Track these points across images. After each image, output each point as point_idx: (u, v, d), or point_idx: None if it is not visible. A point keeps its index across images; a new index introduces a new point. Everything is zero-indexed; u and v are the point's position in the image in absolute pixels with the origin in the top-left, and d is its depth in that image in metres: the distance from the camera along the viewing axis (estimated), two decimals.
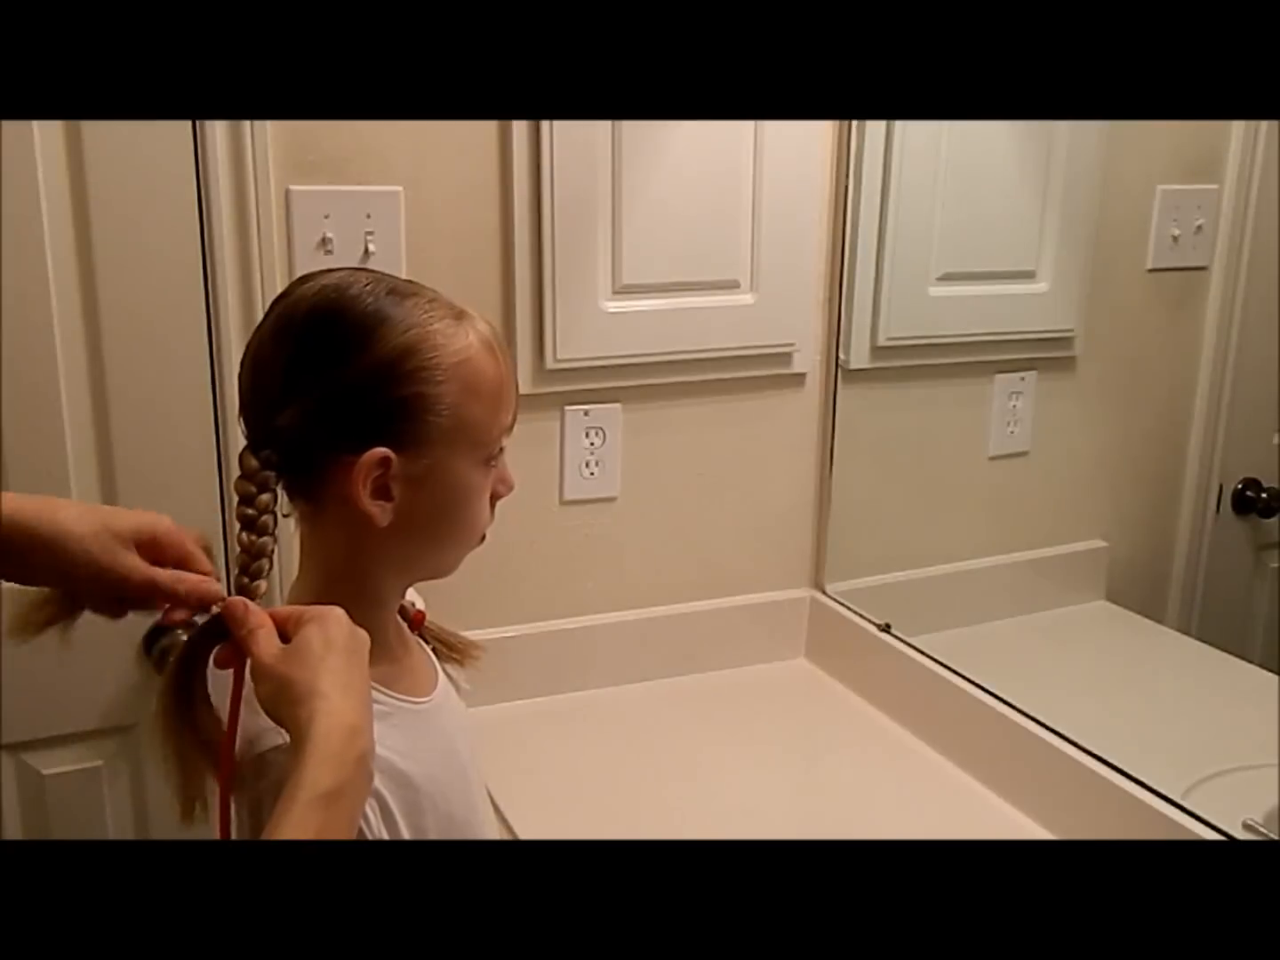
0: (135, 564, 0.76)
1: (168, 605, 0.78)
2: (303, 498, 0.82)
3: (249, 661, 0.74)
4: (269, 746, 0.75)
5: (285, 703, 0.70)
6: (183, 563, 0.79)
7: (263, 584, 0.80)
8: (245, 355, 0.82)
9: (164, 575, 0.77)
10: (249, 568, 0.80)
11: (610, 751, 1.41)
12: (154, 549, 0.78)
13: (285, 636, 0.75)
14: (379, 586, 0.85)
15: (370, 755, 0.70)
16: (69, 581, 0.76)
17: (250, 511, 0.80)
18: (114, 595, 0.77)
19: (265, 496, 0.80)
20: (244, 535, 0.80)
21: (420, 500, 0.81)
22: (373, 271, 0.83)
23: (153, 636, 1.31)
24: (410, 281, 0.83)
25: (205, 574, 0.79)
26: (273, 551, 0.80)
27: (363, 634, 0.76)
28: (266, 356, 0.80)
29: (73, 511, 0.76)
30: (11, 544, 0.74)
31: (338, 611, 0.75)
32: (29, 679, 1.26)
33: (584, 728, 1.46)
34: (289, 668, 0.71)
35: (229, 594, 0.79)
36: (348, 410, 0.78)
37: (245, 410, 0.82)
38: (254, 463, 0.79)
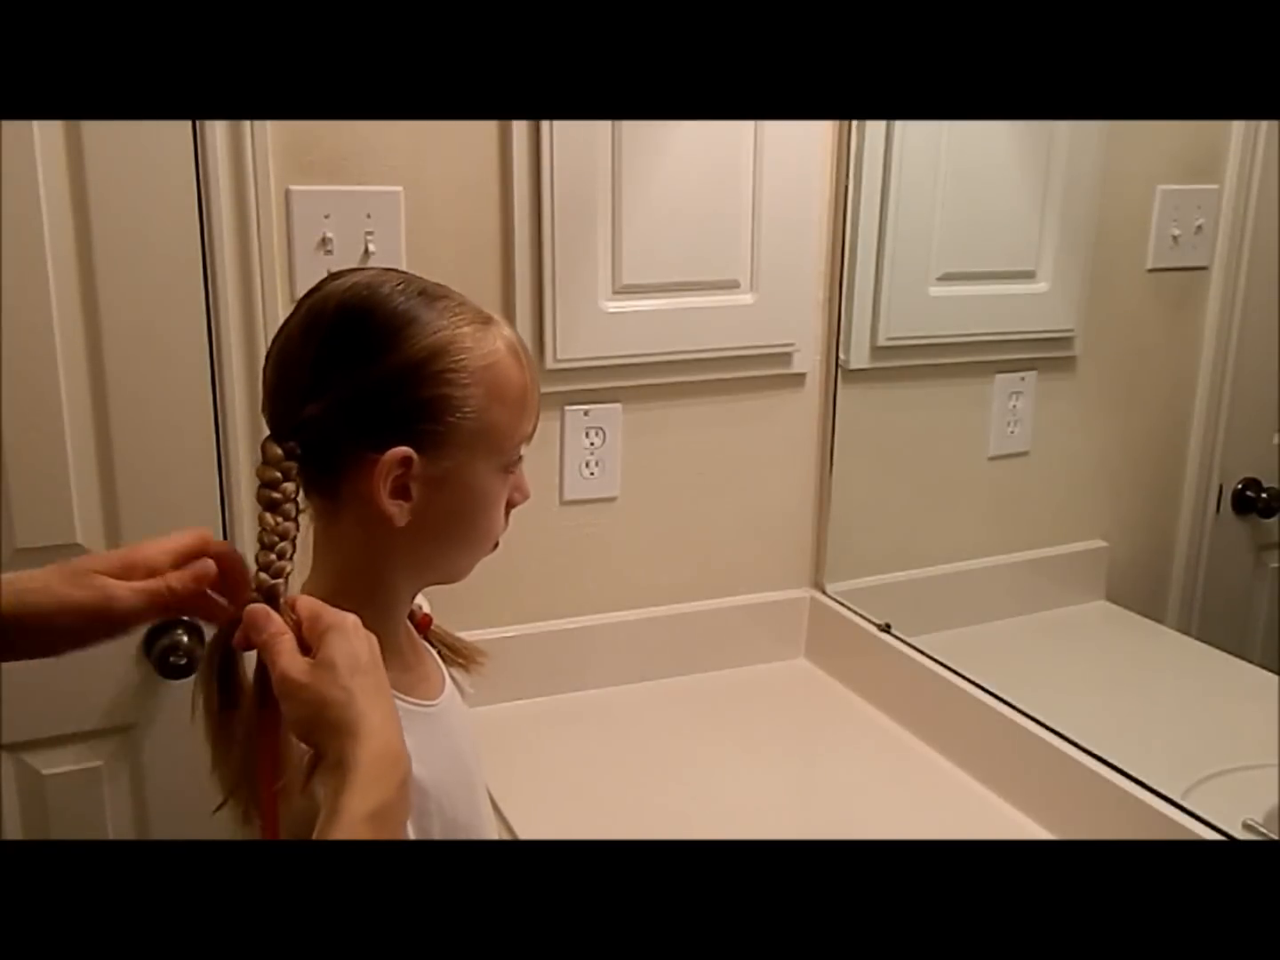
0: (108, 584, 0.75)
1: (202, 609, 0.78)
2: (320, 494, 0.82)
3: (273, 676, 0.72)
4: None
5: (321, 725, 0.69)
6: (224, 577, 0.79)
7: (288, 565, 0.79)
8: (271, 349, 0.82)
9: (153, 583, 0.76)
10: (274, 546, 0.78)
11: (610, 751, 1.41)
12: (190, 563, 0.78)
13: (302, 642, 0.73)
14: (392, 588, 0.85)
15: (410, 779, 0.70)
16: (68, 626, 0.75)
17: (275, 495, 0.79)
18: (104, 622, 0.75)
19: (289, 484, 0.79)
20: (268, 517, 0.79)
21: (438, 502, 0.81)
22: (403, 273, 0.83)
23: (152, 637, 1.31)
24: (439, 284, 0.83)
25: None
26: (295, 536, 0.79)
27: (375, 641, 0.75)
28: (294, 350, 0.80)
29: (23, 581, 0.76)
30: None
31: (354, 619, 0.74)
32: (29, 679, 1.26)
33: (584, 728, 1.46)
34: (322, 687, 0.70)
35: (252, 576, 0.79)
36: (373, 408, 0.78)
37: (270, 402, 0.81)
38: (278, 451, 0.78)
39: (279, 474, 0.79)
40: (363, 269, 0.82)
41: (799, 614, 1.64)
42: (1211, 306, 1.48)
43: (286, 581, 0.79)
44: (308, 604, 0.75)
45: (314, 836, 0.66)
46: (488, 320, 0.82)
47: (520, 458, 0.86)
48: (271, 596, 0.78)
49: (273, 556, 0.78)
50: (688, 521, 1.56)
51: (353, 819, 0.64)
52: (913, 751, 1.42)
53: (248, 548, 0.82)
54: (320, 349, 0.79)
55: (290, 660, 0.72)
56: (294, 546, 0.80)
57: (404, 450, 0.78)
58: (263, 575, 0.78)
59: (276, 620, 0.74)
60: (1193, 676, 1.46)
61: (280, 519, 0.79)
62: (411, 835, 0.80)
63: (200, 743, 0.79)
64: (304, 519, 0.82)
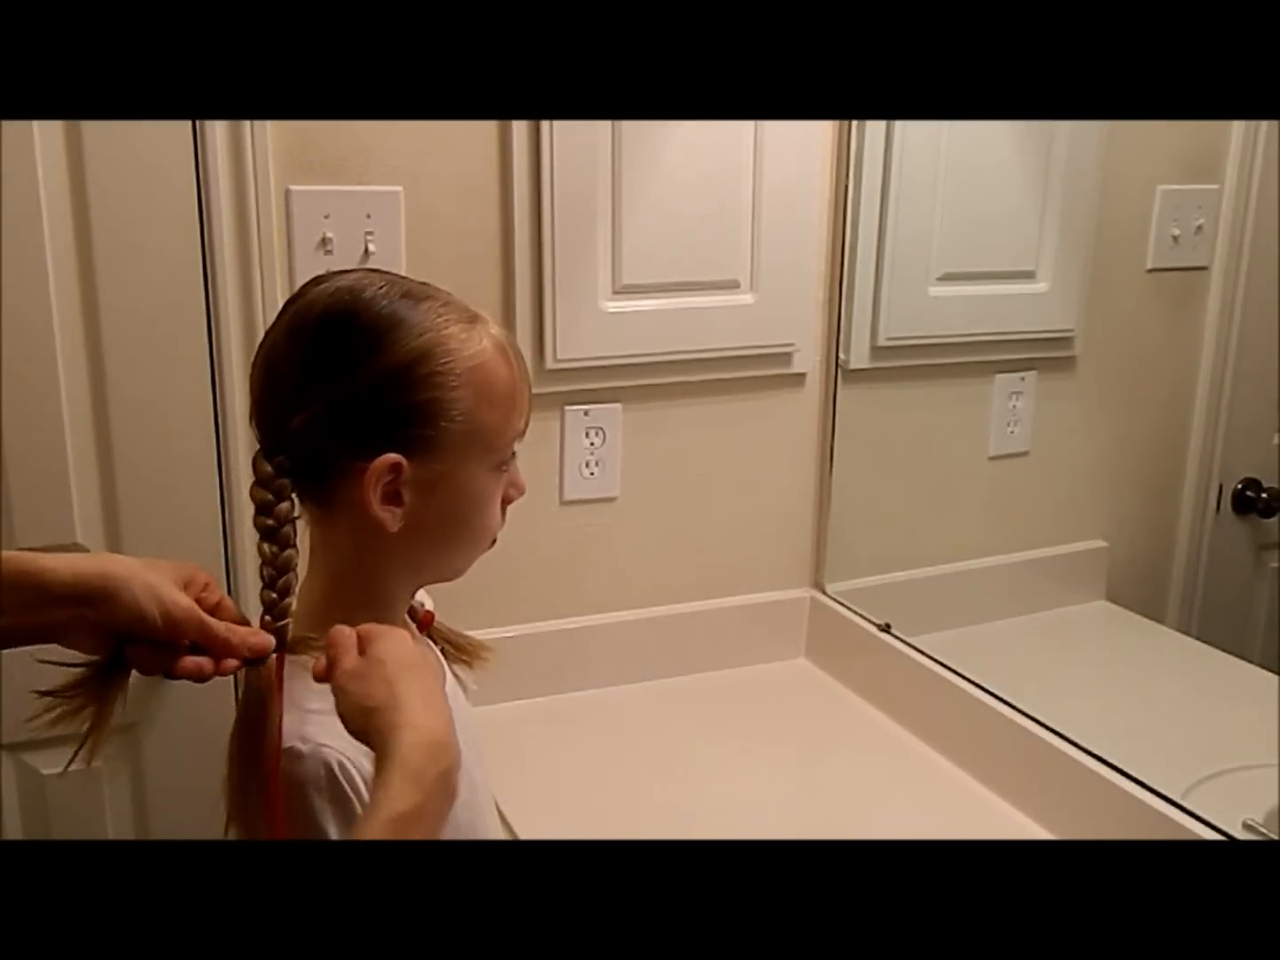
0: (188, 601, 0.74)
1: (209, 658, 0.76)
2: (313, 501, 0.82)
3: (331, 675, 0.73)
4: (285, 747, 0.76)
5: (368, 714, 0.69)
6: (216, 609, 0.78)
7: (292, 601, 0.78)
8: (257, 357, 0.82)
9: (217, 623, 0.75)
10: (276, 583, 0.78)
11: (610, 751, 1.41)
12: (196, 595, 0.77)
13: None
14: (388, 590, 0.85)
15: (455, 770, 0.69)
16: (122, 622, 0.73)
17: (270, 522, 0.78)
18: (164, 635, 0.74)
19: (284, 505, 0.78)
20: (265, 547, 0.78)
21: (431, 506, 0.81)
22: (387, 273, 0.82)
23: None
24: (424, 284, 0.82)
25: (239, 621, 0.78)
26: (297, 565, 0.79)
27: (430, 654, 0.76)
28: (279, 359, 0.79)
29: (115, 556, 0.75)
30: (67, 589, 0.72)
31: (402, 631, 0.76)
32: (29, 679, 1.26)
33: (584, 728, 1.46)
34: (368, 682, 0.71)
35: (253, 608, 0.78)
36: (360, 415, 0.78)
37: (258, 414, 0.81)
38: (268, 469, 0.78)
39: (271, 495, 0.78)
40: (346, 271, 0.82)
41: (799, 614, 1.64)
42: (1211, 306, 1.48)
43: (290, 619, 0.79)
44: (361, 628, 0.76)
45: (355, 827, 0.66)
46: (474, 319, 0.81)
47: (514, 454, 0.85)
48: (279, 639, 0.78)
49: (275, 595, 0.78)
50: (688, 521, 1.56)
51: (385, 816, 0.65)
52: (913, 751, 1.42)
53: (248, 548, 0.82)
54: (305, 356, 0.78)
55: (346, 662, 0.72)
56: (297, 577, 0.79)
57: (393, 457, 0.78)
58: (268, 618, 0.78)
59: (351, 637, 0.75)
60: (1193, 676, 1.46)
61: (278, 548, 0.78)
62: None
63: (200, 743, 0.79)
64: (302, 526, 0.82)
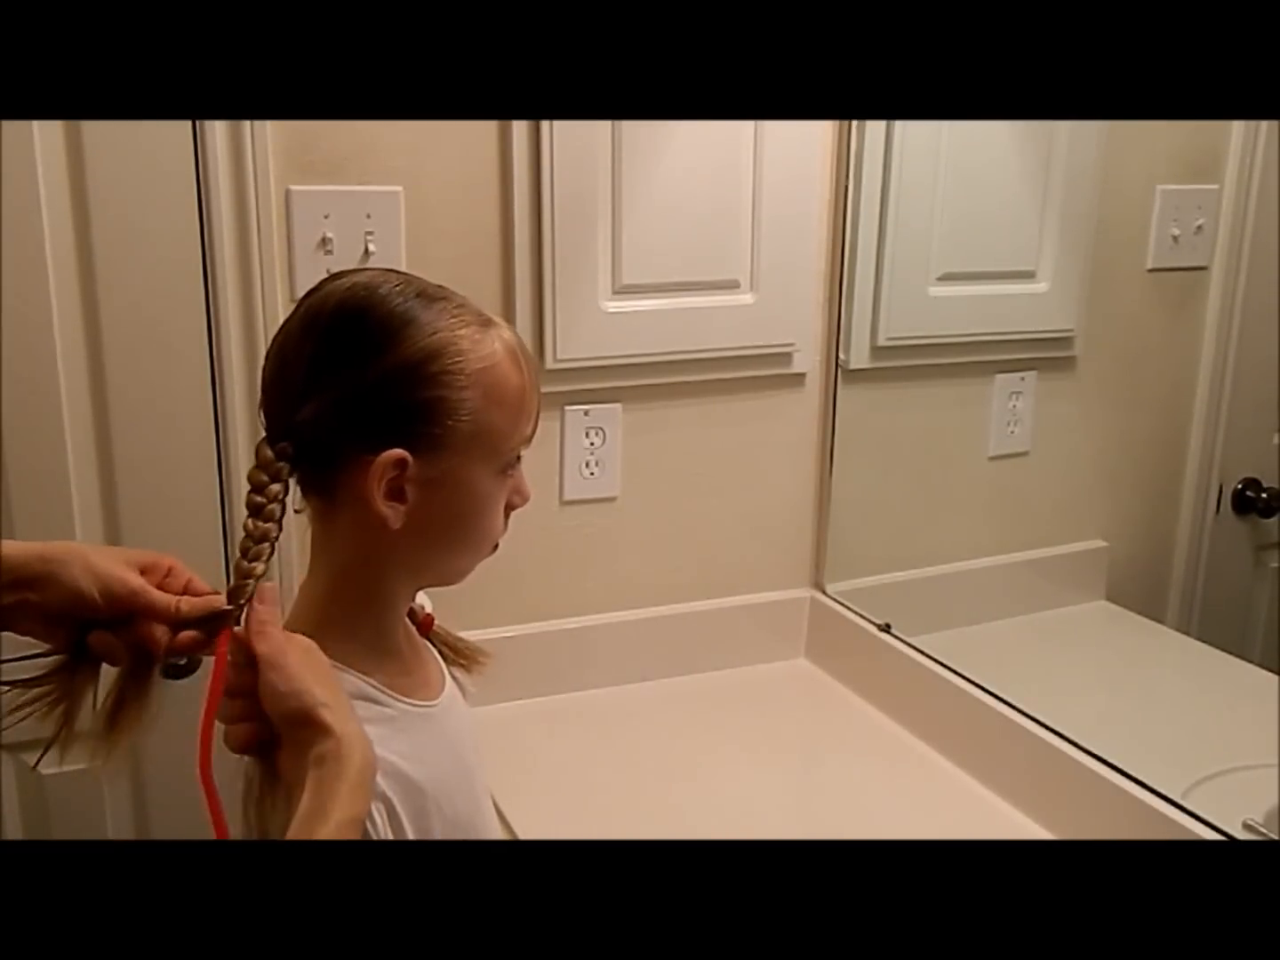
0: (135, 579, 0.75)
1: (171, 633, 0.77)
2: (317, 495, 0.82)
3: (262, 648, 0.74)
4: None
5: (303, 712, 0.71)
6: (185, 591, 0.79)
7: (260, 566, 0.79)
8: (270, 348, 0.82)
9: (164, 595, 0.77)
10: (249, 551, 0.79)
11: (610, 751, 1.41)
12: (158, 580, 0.78)
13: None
14: (388, 589, 0.85)
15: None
16: (62, 604, 0.74)
17: (259, 499, 0.79)
18: (106, 614, 0.75)
19: (276, 486, 0.79)
20: (249, 521, 0.79)
21: (434, 505, 0.81)
22: (403, 273, 0.82)
23: None
24: (440, 286, 0.82)
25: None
26: (276, 538, 0.80)
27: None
28: (291, 350, 0.80)
29: (62, 542, 0.76)
30: (8, 573, 0.73)
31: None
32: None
33: (584, 728, 1.46)
34: (310, 680, 0.72)
35: (228, 578, 0.79)
36: (368, 409, 0.78)
37: (266, 402, 0.81)
38: (269, 454, 0.79)
39: (268, 477, 0.79)
40: (363, 269, 0.82)
41: (799, 614, 1.64)
42: (1211, 306, 1.48)
43: (256, 581, 0.79)
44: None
45: (295, 829, 0.66)
46: (487, 322, 0.82)
47: (519, 460, 0.85)
48: (234, 597, 0.78)
49: (245, 562, 0.79)
50: (688, 521, 1.56)
51: (340, 824, 0.67)
52: (913, 751, 1.42)
53: None
54: (317, 349, 0.79)
55: (284, 639, 0.74)
56: (272, 549, 0.80)
57: (398, 453, 0.78)
58: (231, 581, 0.79)
59: (275, 610, 0.76)
60: (1193, 676, 1.46)
61: (261, 521, 0.79)
62: (411, 835, 0.80)
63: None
64: (299, 521, 0.83)
